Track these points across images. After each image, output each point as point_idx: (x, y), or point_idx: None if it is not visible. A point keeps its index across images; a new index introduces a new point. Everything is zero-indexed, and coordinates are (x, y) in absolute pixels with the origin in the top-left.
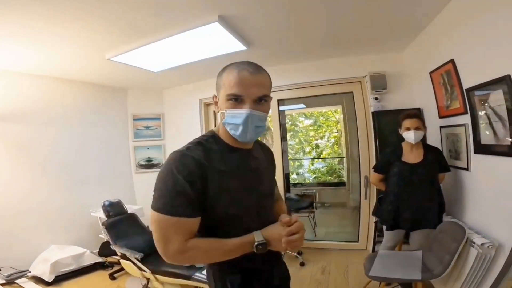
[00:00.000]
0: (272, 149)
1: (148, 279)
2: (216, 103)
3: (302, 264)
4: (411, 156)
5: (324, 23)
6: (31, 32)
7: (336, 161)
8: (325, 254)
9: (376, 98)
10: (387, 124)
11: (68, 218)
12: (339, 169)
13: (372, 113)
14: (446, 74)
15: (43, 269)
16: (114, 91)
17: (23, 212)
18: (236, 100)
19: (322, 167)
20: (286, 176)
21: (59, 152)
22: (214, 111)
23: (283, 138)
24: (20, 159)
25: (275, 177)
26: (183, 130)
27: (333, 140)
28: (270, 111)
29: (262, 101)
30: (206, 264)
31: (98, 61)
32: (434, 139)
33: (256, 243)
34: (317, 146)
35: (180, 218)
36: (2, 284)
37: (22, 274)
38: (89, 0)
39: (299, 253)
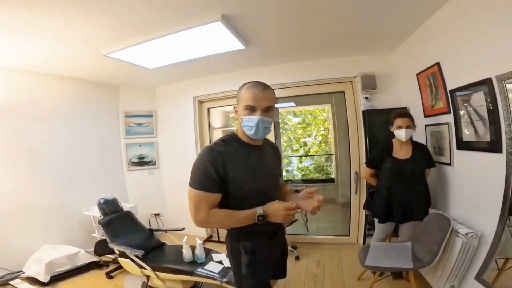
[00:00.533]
0: None
1: (148, 277)
2: (236, 111)
3: (297, 258)
4: (401, 152)
5: (318, 26)
6: (24, 24)
7: (323, 158)
8: (318, 248)
9: (366, 98)
10: (377, 123)
11: (59, 217)
12: (326, 166)
13: (363, 112)
14: (432, 76)
15: (38, 270)
16: (106, 87)
17: (13, 212)
18: (251, 109)
19: (309, 165)
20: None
21: (49, 150)
22: (208, 108)
23: (276, 136)
24: (10, 157)
25: (281, 170)
26: (176, 127)
27: (320, 138)
28: None
29: (268, 110)
30: (226, 235)
31: (94, 57)
32: (419, 137)
33: (257, 215)
34: (305, 144)
35: (208, 193)
36: None
37: (15, 275)
38: None
39: (294, 247)
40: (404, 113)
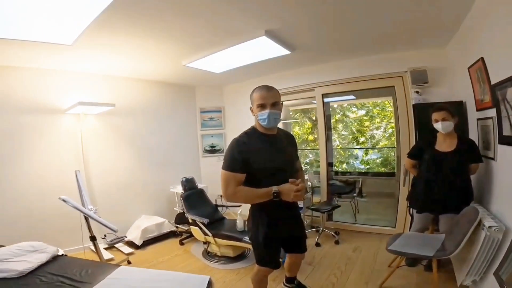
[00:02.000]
0: (318, 139)
1: (208, 243)
2: (252, 111)
3: (337, 242)
4: (444, 145)
5: (364, 26)
6: (129, 46)
7: (392, 152)
8: (361, 237)
9: (417, 92)
10: (428, 116)
11: (153, 193)
12: (393, 160)
13: (413, 105)
14: (479, 71)
15: (136, 235)
16: (186, 88)
17: (123, 187)
18: (261, 106)
19: (377, 158)
20: (330, 164)
21: (145, 139)
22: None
23: (328, 128)
24: (123, 143)
25: (298, 154)
26: (239, 120)
27: (390, 130)
28: (315, 102)
29: (275, 105)
30: (250, 208)
31: (177, 66)
32: (472, 131)
33: (273, 192)
34: (372, 137)
35: (234, 173)
36: (106, 248)
37: (120, 239)
38: (173, 22)
39: (336, 233)
40: (440, 107)
